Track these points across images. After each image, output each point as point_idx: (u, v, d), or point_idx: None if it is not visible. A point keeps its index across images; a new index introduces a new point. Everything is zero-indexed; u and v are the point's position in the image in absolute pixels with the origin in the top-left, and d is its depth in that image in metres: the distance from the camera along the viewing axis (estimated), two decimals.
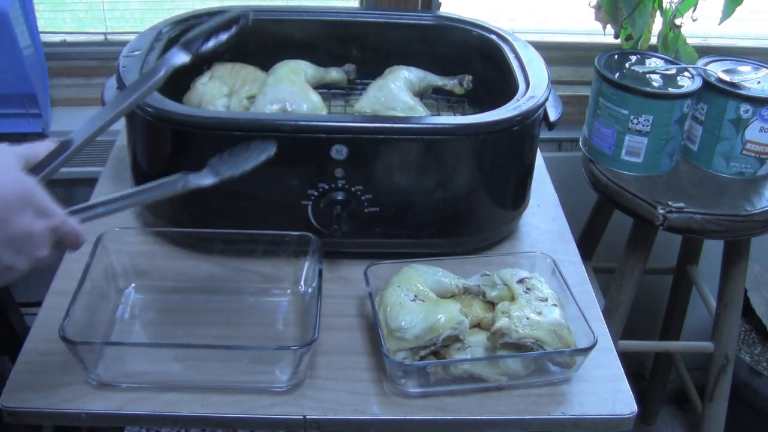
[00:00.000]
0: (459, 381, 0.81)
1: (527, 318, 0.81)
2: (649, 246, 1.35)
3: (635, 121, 1.23)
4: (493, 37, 1.13)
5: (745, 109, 1.25)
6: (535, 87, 0.98)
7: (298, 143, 0.89)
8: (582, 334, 0.82)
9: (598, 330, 0.84)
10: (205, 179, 0.77)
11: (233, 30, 0.81)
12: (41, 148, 0.71)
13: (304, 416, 0.78)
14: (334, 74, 1.14)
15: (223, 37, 0.80)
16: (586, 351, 0.80)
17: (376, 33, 1.18)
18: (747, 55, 1.38)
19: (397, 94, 1.03)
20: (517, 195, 1.02)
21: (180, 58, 0.79)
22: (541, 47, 1.11)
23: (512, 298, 0.85)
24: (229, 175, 0.77)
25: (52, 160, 0.71)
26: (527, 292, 0.85)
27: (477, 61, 1.15)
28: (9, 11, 1.26)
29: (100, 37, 1.52)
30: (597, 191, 1.33)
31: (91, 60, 1.52)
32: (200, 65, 1.11)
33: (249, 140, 0.80)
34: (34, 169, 0.69)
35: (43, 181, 0.69)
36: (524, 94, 0.96)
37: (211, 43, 0.81)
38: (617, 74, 1.27)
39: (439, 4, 1.46)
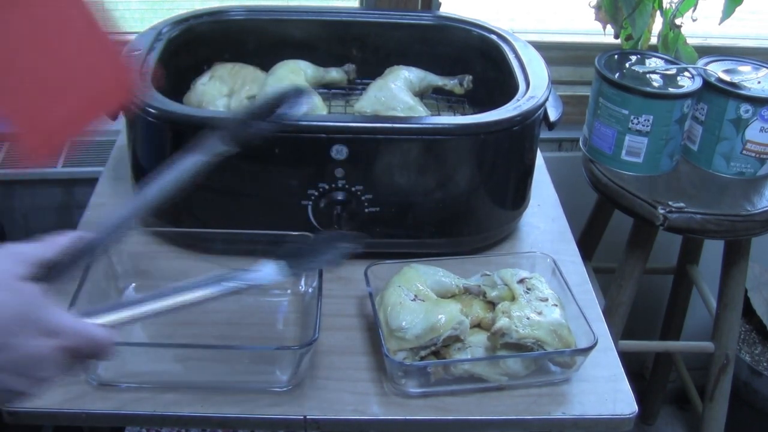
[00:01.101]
0: (459, 381, 0.81)
1: (527, 318, 0.81)
2: (649, 246, 1.35)
3: (635, 121, 1.23)
4: (493, 37, 1.13)
5: (745, 109, 1.24)
6: (535, 87, 0.98)
7: (298, 143, 0.89)
8: (582, 334, 0.82)
9: (598, 330, 0.84)
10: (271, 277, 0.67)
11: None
12: (54, 246, 0.61)
13: (305, 416, 0.78)
14: (334, 74, 1.14)
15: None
16: (586, 351, 0.80)
17: (376, 33, 1.18)
18: (747, 55, 1.38)
19: (397, 94, 1.03)
20: (518, 195, 1.02)
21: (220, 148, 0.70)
22: (541, 47, 1.11)
23: (512, 298, 0.85)
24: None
25: (70, 259, 0.61)
26: (527, 292, 0.85)
27: (477, 61, 1.15)
28: None
29: None
30: (597, 191, 1.33)
31: None
32: (200, 66, 1.11)
33: None
34: (46, 271, 0.59)
35: (56, 285, 0.59)
36: (524, 94, 0.96)
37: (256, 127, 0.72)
38: (617, 74, 1.27)
39: (439, 4, 1.46)
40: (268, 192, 0.92)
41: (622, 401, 0.82)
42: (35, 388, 0.57)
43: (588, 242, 1.54)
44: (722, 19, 1.40)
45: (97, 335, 0.58)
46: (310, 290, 0.89)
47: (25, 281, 0.56)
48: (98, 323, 0.59)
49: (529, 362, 0.81)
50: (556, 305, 0.84)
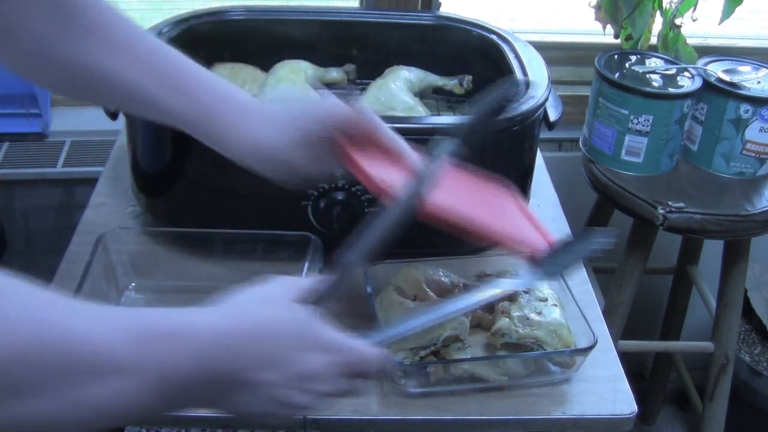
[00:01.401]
0: (459, 381, 0.81)
1: (527, 318, 0.81)
2: (649, 246, 1.35)
3: (635, 121, 1.23)
4: (493, 37, 1.13)
5: (745, 109, 1.25)
6: (535, 87, 0.98)
7: None
8: (582, 334, 0.82)
9: (598, 330, 0.84)
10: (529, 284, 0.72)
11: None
12: (319, 278, 0.65)
13: (304, 416, 0.78)
14: (334, 74, 1.14)
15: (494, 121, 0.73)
16: (586, 351, 0.80)
17: (376, 33, 1.18)
18: (747, 55, 1.38)
19: (397, 94, 1.03)
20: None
21: (454, 148, 0.73)
22: (541, 47, 1.11)
23: (512, 299, 0.85)
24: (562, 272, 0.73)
25: (335, 286, 0.65)
26: (527, 293, 0.85)
27: (477, 61, 1.15)
28: None
29: None
30: (597, 191, 1.33)
31: None
32: (200, 65, 1.11)
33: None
34: (315, 297, 0.63)
35: (328, 312, 0.63)
36: (524, 95, 0.96)
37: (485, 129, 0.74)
38: (617, 74, 1.27)
39: (439, 4, 1.46)
40: (268, 192, 0.92)
41: (622, 401, 0.82)
42: (316, 402, 0.59)
43: None
44: (722, 19, 1.40)
45: (367, 353, 0.61)
46: None
47: (298, 303, 0.60)
48: (368, 342, 0.62)
49: (529, 362, 0.81)
50: (556, 305, 0.84)
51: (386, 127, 0.76)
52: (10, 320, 0.44)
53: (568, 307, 0.85)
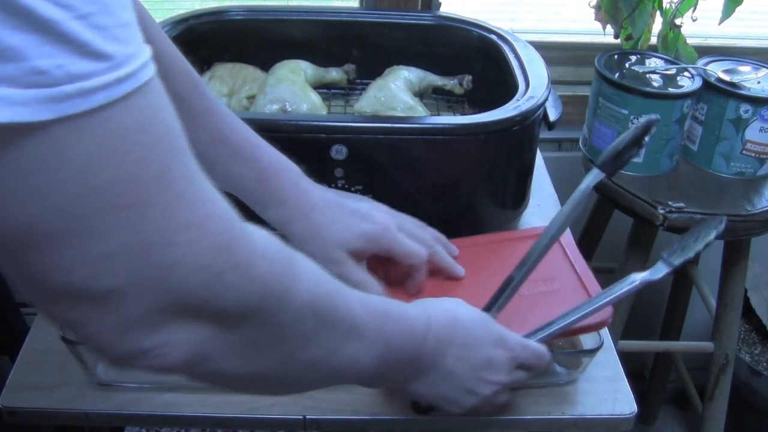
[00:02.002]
0: None
1: None
2: (649, 246, 1.35)
3: (635, 121, 1.23)
4: (493, 37, 1.13)
5: (745, 109, 1.25)
6: (535, 87, 0.98)
7: (298, 143, 0.89)
8: (588, 335, 0.82)
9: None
10: (658, 273, 0.76)
11: (646, 138, 0.75)
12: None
13: (304, 416, 0.78)
14: (334, 74, 1.14)
15: (635, 152, 0.76)
16: (592, 352, 0.80)
17: (376, 33, 1.18)
18: (747, 55, 1.38)
19: (397, 94, 1.03)
20: (517, 195, 1.02)
21: (596, 176, 0.77)
22: (541, 47, 1.11)
23: None
24: (683, 260, 0.75)
25: (500, 295, 0.76)
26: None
27: (477, 61, 1.15)
28: None
29: None
30: (597, 191, 1.33)
31: None
32: (200, 65, 1.11)
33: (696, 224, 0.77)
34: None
35: (495, 314, 0.75)
36: (524, 94, 0.96)
37: (626, 158, 0.76)
38: (617, 74, 1.27)
39: (439, 4, 1.46)
40: None
41: (622, 401, 0.81)
42: (495, 395, 0.70)
43: (588, 242, 1.55)
44: (722, 19, 1.40)
45: (537, 349, 0.71)
46: None
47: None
48: (535, 341, 0.73)
49: None
50: None
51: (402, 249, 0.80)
52: (311, 281, 0.53)
53: None
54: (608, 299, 0.76)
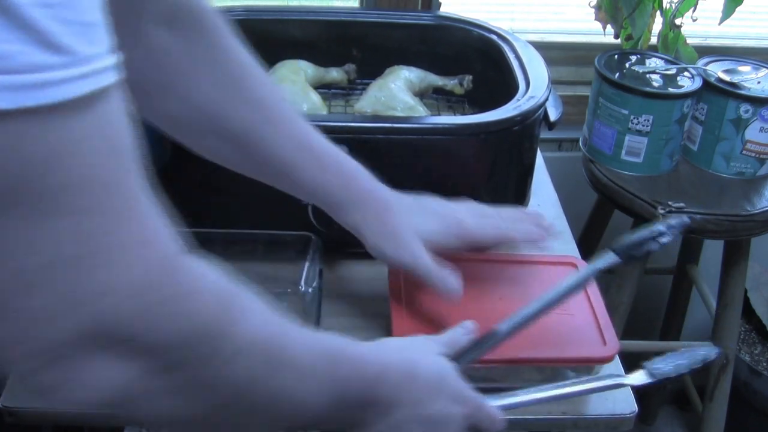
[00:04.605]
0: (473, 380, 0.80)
1: None
2: None
3: (635, 121, 1.23)
4: (493, 37, 1.13)
5: (745, 109, 1.25)
6: (535, 87, 0.98)
7: None
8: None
9: None
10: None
11: (664, 238, 0.75)
12: (462, 337, 0.72)
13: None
14: (334, 74, 1.14)
15: (655, 246, 0.75)
16: (607, 358, 0.80)
17: (376, 33, 1.18)
18: (747, 55, 1.38)
19: (398, 94, 1.03)
20: (517, 195, 1.02)
21: (609, 260, 0.78)
22: (541, 47, 1.11)
23: None
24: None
25: (475, 348, 0.71)
26: None
27: (477, 61, 1.15)
28: None
29: None
30: (597, 191, 1.33)
31: None
32: None
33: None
34: (455, 354, 0.70)
35: (463, 369, 0.68)
36: (524, 94, 0.96)
37: (644, 250, 0.76)
38: (617, 74, 1.27)
39: (439, 4, 1.46)
40: (269, 192, 0.92)
41: (622, 401, 0.81)
42: None
43: (588, 242, 1.54)
44: (722, 19, 1.40)
45: (492, 412, 0.67)
46: (310, 290, 0.89)
47: (441, 356, 0.67)
48: (492, 404, 0.68)
49: (546, 368, 0.80)
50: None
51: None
52: (256, 320, 0.51)
53: None
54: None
